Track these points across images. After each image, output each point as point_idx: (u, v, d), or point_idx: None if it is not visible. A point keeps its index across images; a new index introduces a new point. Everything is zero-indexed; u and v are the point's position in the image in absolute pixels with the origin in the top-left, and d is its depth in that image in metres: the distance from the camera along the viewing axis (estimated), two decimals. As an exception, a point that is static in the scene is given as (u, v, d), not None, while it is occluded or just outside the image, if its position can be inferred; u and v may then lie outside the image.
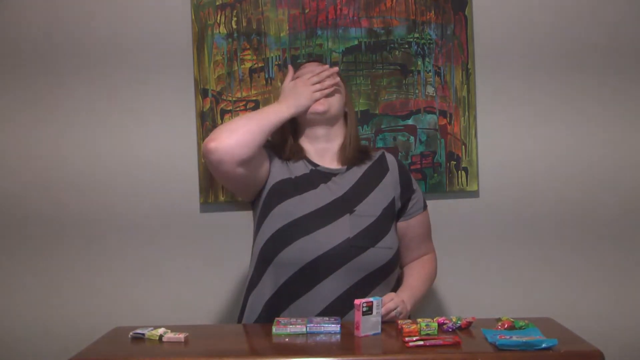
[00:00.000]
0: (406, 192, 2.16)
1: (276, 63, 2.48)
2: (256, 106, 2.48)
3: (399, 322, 1.85)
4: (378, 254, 2.02)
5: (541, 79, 2.48)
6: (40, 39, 2.53)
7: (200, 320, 2.43)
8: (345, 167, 2.14)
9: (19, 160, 2.55)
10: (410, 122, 2.47)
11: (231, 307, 2.48)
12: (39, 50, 2.54)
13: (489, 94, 2.49)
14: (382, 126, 2.47)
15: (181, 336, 1.81)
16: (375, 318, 1.80)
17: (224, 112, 2.49)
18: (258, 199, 2.12)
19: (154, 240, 2.53)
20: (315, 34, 2.48)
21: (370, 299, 1.80)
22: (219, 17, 2.49)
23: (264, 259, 2.04)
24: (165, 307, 2.51)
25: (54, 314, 2.55)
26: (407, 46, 2.48)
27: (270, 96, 2.48)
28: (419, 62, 2.47)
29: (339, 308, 1.96)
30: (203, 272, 2.52)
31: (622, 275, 2.49)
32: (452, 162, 2.47)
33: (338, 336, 1.79)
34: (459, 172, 2.47)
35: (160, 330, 1.84)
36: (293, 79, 2.18)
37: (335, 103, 2.15)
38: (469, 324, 1.86)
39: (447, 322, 1.84)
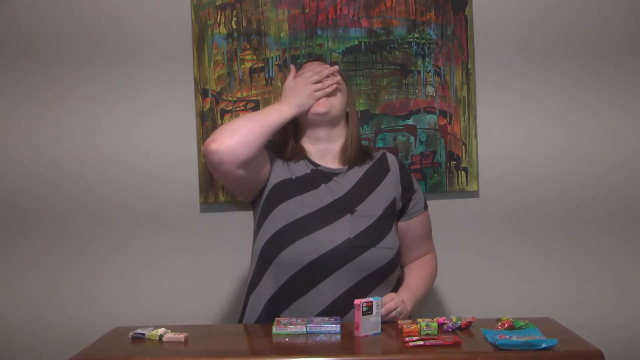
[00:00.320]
0: (407, 192, 2.16)
1: (276, 63, 2.48)
2: (256, 106, 2.48)
3: (399, 322, 1.85)
4: (379, 254, 2.02)
5: (541, 78, 2.49)
6: (39, 38, 2.53)
7: (200, 320, 2.43)
8: (346, 167, 2.14)
9: (17, 164, 2.55)
10: (410, 122, 2.47)
11: (231, 307, 2.48)
12: (39, 50, 2.54)
13: (489, 94, 2.49)
14: (382, 126, 2.47)
15: (181, 336, 1.81)
16: (375, 318, 1.80)
17: (224, 112, 2.49)
18: (259, 199, 2.11)
19: (154, 240, 2.53)
20: (315, 34, 2.48)
21: (370, 299, 1.80)
22: (219, 17, 2.49)
23: (265, 258, 2.04)
24: (165, 307, 2.51)
25: (54, 314, 2.55)
26: (407, 46, 2.48)
27: (270, 96, 2.48)
28: (419, 62, 2.47)
29: (340, 308, 1.96)
30: (203, 272, 2.52)
31: (623, 276, 2.49)
32: (452, 162, 2.47)
33: (338, 336, 1.79)
34: (459, 172, 2.47)
35: (160, 330, 1.84)
36: (294, 78, 2.18)
37: (336, 104, 2.14)
38: (469, 324, 1.86)
39: (447, 322, 1.84)
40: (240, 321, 2.13)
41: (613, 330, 2.45)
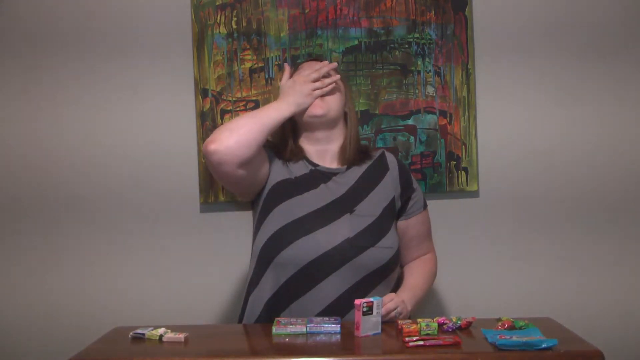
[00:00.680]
0: (406, 191, 2.16)
1: (276, 63, 2.48)
2: (256, 106, 2.48)
3: (399, 322, 1.85)
4: (378, 253, 2.02)
5: (541, 78, 2.48)
6: (39, 37, 2.53)
7: (200, 320, 2.43)
8: (345, 167, 2.14)
9: (15, 163, 2.55)
10: (410, 122, 2.47)
11: (231, 307, 2.48)
12: (38, 50, 2.54)
13: (489, 94, 2.49)
14: (382, 126, 2.47)
15: (181, 336, 1.81)
16: (375, 318, 1.80)
17: (224, 112, 2.49)
18: (258, 199, 2.11)
19: (154, 240, 2.53)
20: (315, 34, 2.48)
21: (371, 299, 1.80)
22: (219, 17, 2.49)
23: (264, 258, 2.04)
24: (165, 307, 2.51)
25: (53, 314, 2.55)
26: (407, 46, 2.48)
27: (270, 96, 2.48)
28: (419, 62, 2.47)
29: (339, 308, 1.96)
30: (203, 272, 2.52)
31: (623, 276, 2.49)
32: (452, 162, 2.47)
33: (338, 336, 1.79)
34: (459, 172, 2.47)
35: (160, 330, 1.84)
36: (291, 76, 2.17)
37: (334, 105, 2.13)
38: (469, 324, 1.86)
39: (447, 322, 1.84)
40: (240, 321, 2.13)
41: (613, 330, 2.45)
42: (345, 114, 2.19)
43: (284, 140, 2.16)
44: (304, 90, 2.10)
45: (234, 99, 2.49)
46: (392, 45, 2.47)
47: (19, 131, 2.54)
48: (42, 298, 2.55)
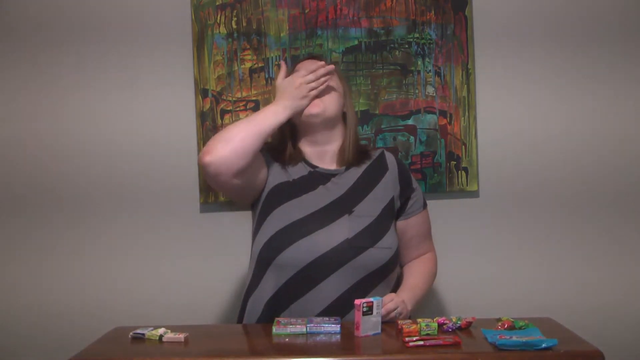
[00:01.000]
0: (405, 190, 2.15)
1: (276, 63, 2.48)
2: (256, 106, 2.48)
3: (399, 322, 1.85)
4: (377, 254, 2.02)
5: (541, 78, 2.49)
6: (39, 37, 2.54)
7: (200, 320, 2.43)
8: (344, 167, 2.13)
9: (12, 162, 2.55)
10: (410, 122, 2.47)
11: (231, 307, 2.48)
12: (39, 49, 2.54)
13: (489, 94, 2.49)
14: (382, 126, 2.47)
15: (181, 336, 1.81)
16: (375, 318, 1.80)
17: (224, 112, 2.49)
18: (257, 202, 2.11)
19: (154, 240, 2.53)
20: (315, 34, 2.48)
21: (371, 299, 1.80)
22: (219, 17, 2.49)
23: (264, 260, 2.04)
24: (165, 307, 2.51)
25: (53, 314, 2.55)
26: (407, 46, 2.48)
27: (270, 96, 2.48)
28: (419, 62, 2.47)
29: (339, 308, 1.96)
30: (203, 272, 2.52)
31: (623, 276, 2.49)
32: (452, 162, 2.47)
33: (338, 336, 1.79)
34: (459, 172, 2.47)
35: (160, 330, 1.84)
36: (287, 75, 2.15)
37: (330, 105, 2.11)
38: (469, 324, 1.86)
39: (447, 322, 1.84)
40: (239, 322, 2.13)
41: (613, 330, 2.45)
42: (344, 115, 2.18)
43: (283, 142, 2.15)
44: (300, 92, 2.07)
45: (234, 99, 2.50)
46: (392, 45, 2.47)
47: (19, 141, 2.55)
48: (42, 298, 2.55)
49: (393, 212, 2.12)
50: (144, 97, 2.53)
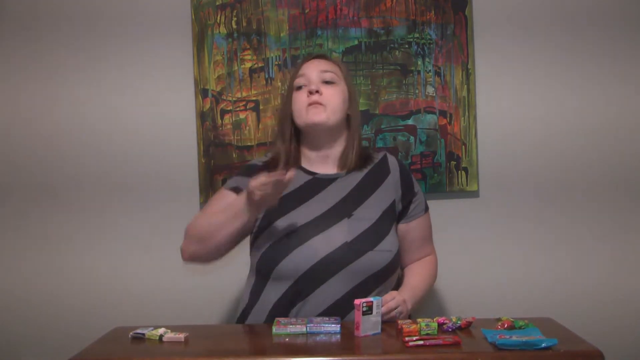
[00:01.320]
0: (407, 194, 2.13)
1: (276, 63, 2.49)
2: (256, 106, 2.48)
3: (399, 322, 1.84)
4: (377, 257, 2.00)
5: (541, 78, 2.49)
6: (38, 33, 2.55)
7: (200, 320, 2.43)
8: (345, 171, 2.11)
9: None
10: (410, 122, 2.48)
11: (231, 307, 2.48)
12: (38, 47, 2.55)
13: (489, 94, 2.49)
14: (382, 126, 2.47)
15: (181, 336, 1.81)
16: (375, 318, 1.80)
17: (224, 112, 2.49)
18: (255, 221, 2.09)
19: (154, 240, 2.54)
20: (315, 34, 2.48)
21: (371, 299, 1.80)
22: (219, 17, 2.49)
23: (262, 274, 2.03)
24: (165, 307, 2.51)
25: (53, 314, 2.55)
26: (407, 46, 2.48)
27: (270, 96, 2.48)
28: (419, 62, 2.47)
29: (338, 311, 1.94)
30: (203, 272, 2.52)
31: (623, 276, 2.49)
32: (452, 162, 2.47)
33: (338, 336, 1.79)
34: (459, 172, 2.47)
35: (160, 330, 1.84)
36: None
37: (334, 114, 2.07)
38: (469, 324, 1.86)
39: (447, 322, 1.84)
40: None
41: (613, 330, 2.45)
42: (348, 117, 2.12)
43: (285, 147, 2.12)
44: (266, 201, 1.93)
45: (234, 99, 2.50)
46: (392, 45, 2.48)
47: (19, 143, 2.56)
48: (42, 298, 2.56)
49: (394, 215, 2.10)
50: (144, 97, 2.53)
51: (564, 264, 2.49)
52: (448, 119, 2.47)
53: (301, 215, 2.02)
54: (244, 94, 2.50)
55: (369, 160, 2.14)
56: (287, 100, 2.12)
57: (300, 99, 2.07)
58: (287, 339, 1.78)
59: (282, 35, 2.48)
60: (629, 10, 2.47)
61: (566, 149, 2.49)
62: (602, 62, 2.48)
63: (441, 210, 2.44)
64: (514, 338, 1.68)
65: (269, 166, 2.10)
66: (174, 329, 1.87)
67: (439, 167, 2.47)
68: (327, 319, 1.86)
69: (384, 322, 1.85)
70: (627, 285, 2.49)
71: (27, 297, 2.56)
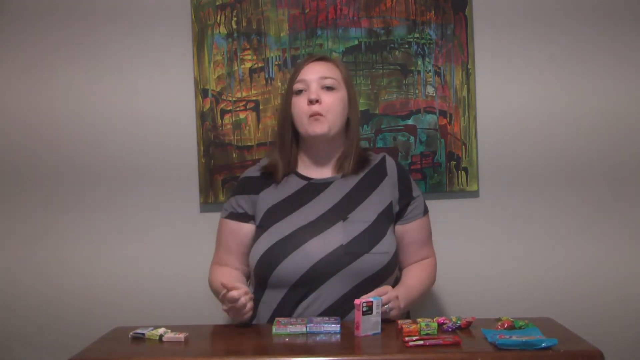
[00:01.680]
0: (405, 196, 2.11)
1: (276, 63, 2.49)
2: (256, 106, 2.48)
3: (399, 322, 1.84)
4: (373, 259, 1.98)
5: (541, 79, 2.48)
6: (40, 35, 2.55)
7: (200, 320, 2.43)
8: (341, 174, 2.11)
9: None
10: (410, 122, 2.47)
11: (231, 307, 2.48)
12: (38, 44, 2.55)
13: (489, 94, 2.49)
14: (382, 126, 2.47)
15: (181, 336, 1.81)
16: (375, 318, 1.80)
17: (224, 112, 2.49)
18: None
19: (154, 239, 2.54)
20: (315, 34, 2.48)
21: (370, 299, 1.80)
22: (219, 17, 2.49)
23: (259, 280, 2.03)
24: (165, 307, 2.51)
25: (53, 314, 2.55)
26: (407, 46, 2.48)
27: (270, 96, 2.48)
28: (419, 62, 2.47)
29: (337, 314, 1.93)
30: (203, 272, 2.51)
31: (623, 276, 2.49)
32: (452, 162, 2.47)
33: (338, 336, 1.79)
34: (459, 172, 2.47)
35: (160, 330, 1.84)
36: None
37: (335, 124, 2.06)
38: (469, 323, 1.86)
39: (447, 322, 1.84)
40: None
41: (613, 330, 2.45)
42: (347, 119, 2.11)
43: (286, 155, 2.12)
44: (236, 316, 1.95)
45: (234, 99, 2.50)
46: (392, 45, 2.48)
47: (22, 145, 2.56)
48: (42, 298, 2.55)
49: (391, 217, 2.09)
50: (144, 97, 2.53)
51: (564, 264, 2.49)
52: (448, 119, 2.47)
53: (296, 219, 2.02)
54: (244, 94, 2.50)
55: (366, 163, 2.13)
56: (287, 104, 2.11)
57: (301, 106, 2.07)
58: (287, 339, 1.78)
59: (282, 35, 2.48)
60: (629, 10, 2.47)
61: (566, 149, 2.49)
62: (602, 61, 2.48)
63: (441, 210, 2.44)
64: (514, 338, 1.68)
65: (266, 176, 2.12)
66: (174, 329, 1.87)
67: (439, 167, 2.47)
68: (327, 318, 1.86)
69: (383, 322, 1.85)
70: (627, 286, 2.49)
71: (26, 297, 2.56)
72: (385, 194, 2.09)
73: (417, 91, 2.47)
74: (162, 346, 1.79)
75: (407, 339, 1.72)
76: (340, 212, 2.03)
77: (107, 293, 2.54)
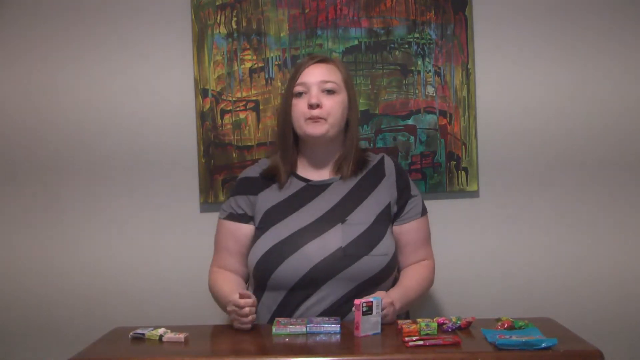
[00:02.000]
0: (403, 196, 2.11)
1: (276, 63, 2.49)
2: (256, 106, 2.48)
3: (399, 322, 1.85)
4: (372, 261, 1.98)
5: (541, 79, 2.48)
6: (39, 35, 2.55)
7: (200, 320, 2.43)
8: (339, 176, 2.10)
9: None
10: (410, 122, 2.47)
11: (231, 307, 2.48)
12: (37, 41, 2.55)
13: (489, 94, 2.49)
14: (382, 126, 2.47)
15: (181, 336, 1.81)
16: (375, 318, 1.80)
17: (224, 112, 2.49)
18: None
19: (154, 239, 2.54)
20: (315, 34, 2.48)
21: (370, 299, 1.80)
22: (219, 17, 2.49)
23: (258, 281, 2.03)
24: (165, 307, 2.51)
25: (53, 314, 2.55)
26: (407, 46, 2.48)
27: (270, 96, 2.48)
28: (419, 62, 2.47)
29: (336, 316, 1.93)
30: (203, 272, 2.51)
31: (623, 276, 2.49)
32: (452, 162, 2.47)
33: (338, 336, 1.79)
34: (459, 172, 2.47)
35: (160, 330, 1.84)
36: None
37: (334, 126, 2.06)
38: (469, 324, 1.86)
39: (447, 322, 1.84)
40: None
41: (613, 330, 2.45)
42: (347, 121, 2.10)
43: (287, 157, 2.11)
44: (235, 322, 1.93)
45: (234, 99, 2.50)
46: (392, 45, 2.47)
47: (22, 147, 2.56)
48: (42, 298, 2.55)
49: (389, 218, 2.08)
50: (143, 97, 2.53)
51: (564, 264, 2.49)
52: (448, 119, 2.47)
53: (295, 222, 2.02)
54: (244, 94, 2.50)
55: (365, 165, 2.13)
56: (287, 106, 2.10)
57: (300, 109, 2.06)
58: (287, 339, 1.78)
59: (282, 35, 2.48)
60: (629, 11, 2.47)
61: (566, 149, 2.49)
62: (603, 61, 2.48)
63: (441, 210, 2.44)
64: (514, 338, 1.68)
65: (266, 176, 2.11)
66: (174, 329, 1.87)
67: (439, 167, 2.47)
68: (327, 319, 1.87)
69: (383, 322, 1.85)
70: (627, 286, 2.49)
71: (26, 297, 2.56)
72: (383, 195, 2.09)
73: (417, 91, 2.47)
74: (162, 346, 1.79)
75: (407, 339, 1.72)
76: (339, 214, 2.03)
77: (107, 293, 2.54)
